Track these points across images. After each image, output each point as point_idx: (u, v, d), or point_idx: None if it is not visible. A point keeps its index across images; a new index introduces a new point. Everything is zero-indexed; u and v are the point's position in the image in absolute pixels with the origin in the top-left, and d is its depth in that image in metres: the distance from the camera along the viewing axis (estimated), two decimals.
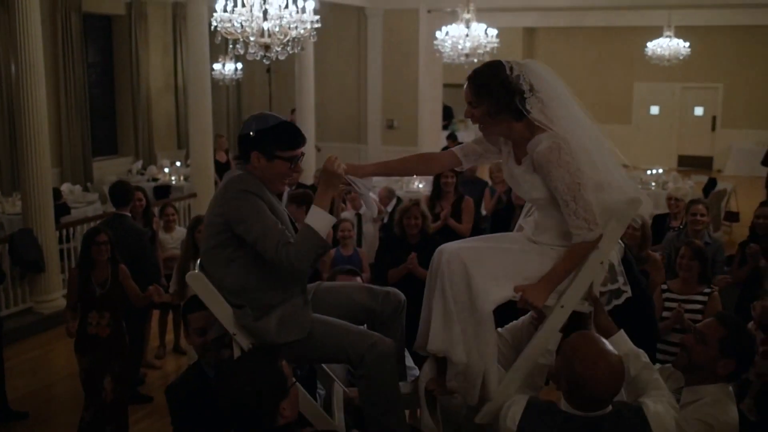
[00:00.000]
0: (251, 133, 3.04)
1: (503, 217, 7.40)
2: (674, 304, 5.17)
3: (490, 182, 9.13)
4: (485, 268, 2.85)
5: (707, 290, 5.21)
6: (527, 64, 2.92)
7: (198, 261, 3.28)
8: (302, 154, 3.14)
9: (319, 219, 2.97)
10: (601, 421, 2.55)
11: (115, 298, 5.69)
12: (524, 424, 2.62)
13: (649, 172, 13.65)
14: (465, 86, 2.90)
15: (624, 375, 2.61)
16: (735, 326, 3.08)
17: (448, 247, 2.99)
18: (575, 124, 2.90)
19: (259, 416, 2.66)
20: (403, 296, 3.37)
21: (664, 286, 5.35)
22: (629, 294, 3.07)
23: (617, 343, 2.84)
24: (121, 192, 7.22)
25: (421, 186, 11.93)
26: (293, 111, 14.41)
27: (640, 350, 2.97)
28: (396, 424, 3.11)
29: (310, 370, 3.50)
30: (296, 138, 3.08)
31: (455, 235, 6.97)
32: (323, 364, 3.50)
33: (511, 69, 2.85)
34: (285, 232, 2.96)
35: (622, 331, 2.96)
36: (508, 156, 3.03)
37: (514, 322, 3.27)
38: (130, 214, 7.12)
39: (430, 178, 12.01)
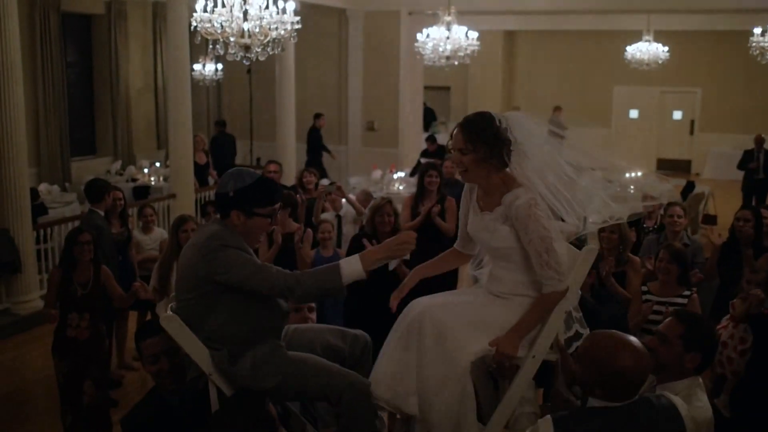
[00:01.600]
0: (230, 193, 3.09)
1: None
2: (656, 307, 5.19)
3: None
4: (458, 324, 2.96)
5: (686, 292, 5.23)
6: (513, 117, 3.09)
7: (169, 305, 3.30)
8: (280, 207, 3.23)
9: (352, 270, 3.03)
10: (636, 407, 2.63)
11: (96, 299, 5.62)
12: None
13: (627, 175, 13.71)
14: (455, 132, 3.05)
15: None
16: (693, 321, 3.25)
17: (419, 304, 3.08)
18: (540, 179, 3.05)
19: None
20: (369, 338, 3.47)
21: (644, 288, 5.38)
22: (587, 332, 3.17)
23: None
24: (95, 188, 7.22)
25: (401, 188, 11.94)
26: (319, 116, 14.44)
27: None
28: None
29: (283, 412, 3.47)
30: (274, 194, 3.16)
31: (435, 234, 6.98)
32: (292, 405, 3.50)
33: (500, 121, 3.02)
34: (280, 270, 3.04)
35: None
36: (474, 204, 3.18)
37: None
38: (103, 213, 7.08)
39: (411, 180, 12.06)
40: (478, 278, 3.28)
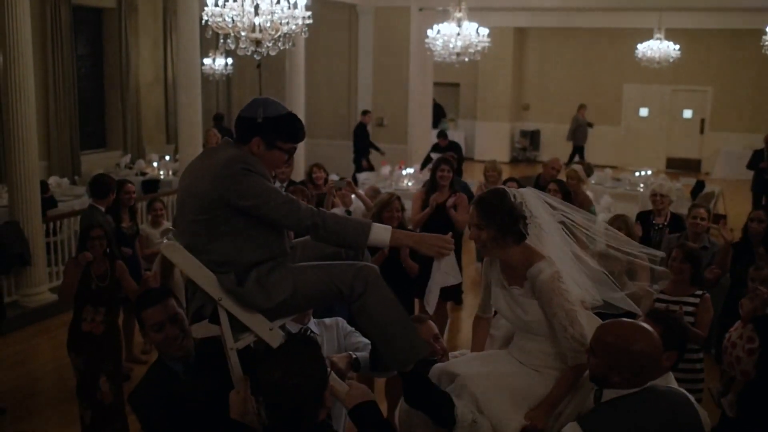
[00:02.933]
0: (258, 119, 3.00)
1: None
2: (664, 305, 5.17)
3: (482, 180, 9.11)
4: (500, 395, 3.01)
5: (698, 292, 5.22)
6: (526, 193, 3.17)
7: (166, 230, 3.21)
8: (295, 148, 3.12)
9: (380, 235, 3.01)
10: (652, 393, 2.71)
11: (111, 293, 5.63)
12: None
13: (637, 173, 13.70)
14: (471, 210, 3.14)
15: None
16: (668, 320, 3.52)
17: (458, 371, 3.10)
18: (559, 251, 3.15)
19: (304, 411, 2.55)
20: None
21: (656, 287, 5.35)
22: None
23: None
24: (100, 185, 7.20)
25: (410, 184, 11.93)
26: (366, 112, 14.49)
27: None
28: (411, 339, 3.06)
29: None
30: (300, 132, 3.08)
31: (444, 227, 6.96)
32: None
33: (514, 196, 3.11)
34: (300, 203, 2.97)
35: None
36: (498, 279, 3.22)
37: None
38: (104, 209, 7.09)
39: (420, 176, 12.06)
40: (511, 350, 3.29)
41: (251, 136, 3.02)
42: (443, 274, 3.20)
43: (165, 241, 3.21)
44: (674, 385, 3.04)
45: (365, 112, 14.56)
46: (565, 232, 3.22)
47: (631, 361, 2.66)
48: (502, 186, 3.24)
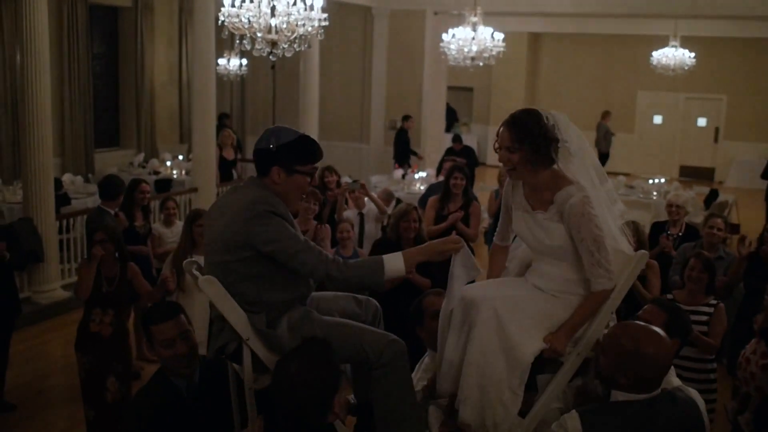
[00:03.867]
0: (272, 147, 3.02)
1: None
2: None
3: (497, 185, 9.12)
4: (516, 318, 2.96)
5: (713, 302, 5.20)
6: (558, 116, 3.06)
7: (191, 262, 3.26)
8: (316, 168, 3.15)
9: (394, 266, 3.01)
10: (658, 402, 2.69)
11: (121, 296, 5.58)
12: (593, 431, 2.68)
13: (650, 181, 13.65)
14: (501, 131, 3.03)
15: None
16: (673, 309, 3.59)
17: (475, 294, 3.05)
18: (587, 178, 3.07)
19: (313, 410, 2.58)
20: (377, 304, 3.48)
21: (669, 296, 5.33)
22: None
23: None
24: (109, 187, 7.19)
25: (422, 188, 11.91)
26: (407, 117, 14.56)
27: None
28: (416, 419, 3.08)
29: None
30: (315, 151, 3.09)
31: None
32: None
33: (547, 118, 3.00)
34: (322, 251, 3.00)
35: None
36: (522, 203, 3.15)
37: None
38: (113, 211, 7.09)
39: (432, 180, 12.04)
40: (528, 277, 3.23)
41: (270, 166, 3.04)
42: (463, 268, 3.15)
43: (195, 272, 3.24)
44: (676, 382, 3.00)
45: (407, 118, 14.64)
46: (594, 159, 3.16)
47: (638, 365, 2.65)
48: (535, 108, 3.10)
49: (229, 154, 12.55)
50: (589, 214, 2.92)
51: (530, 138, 2.97)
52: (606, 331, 3.01)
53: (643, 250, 3.15)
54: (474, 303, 3.01)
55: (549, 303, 3.04)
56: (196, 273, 3.21)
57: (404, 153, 14.52)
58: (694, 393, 2.84)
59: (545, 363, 3.08)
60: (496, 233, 3.44)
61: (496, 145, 3.10)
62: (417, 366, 3.62)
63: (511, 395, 2.95)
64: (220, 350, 3.13)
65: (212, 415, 3.20)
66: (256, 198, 2.98)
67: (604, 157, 18.82)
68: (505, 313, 2.96)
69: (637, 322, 2.83)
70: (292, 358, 2.66)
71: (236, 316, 2.99)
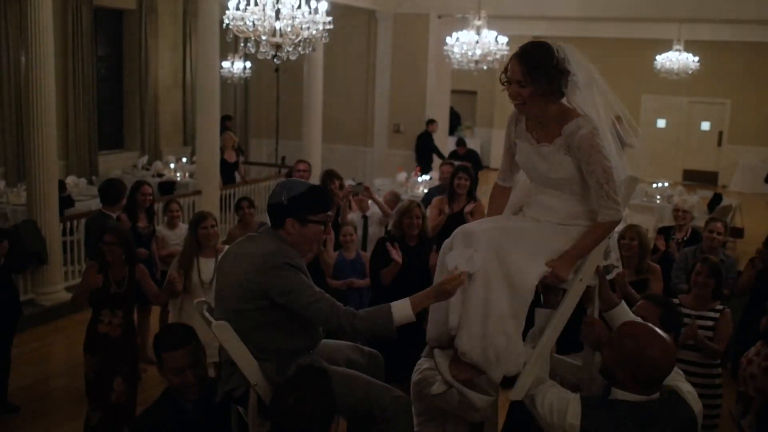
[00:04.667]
0: (284, 201, 3.12)
1: None
2: (687, 320, 5.13)
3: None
4: (517, 247, 2.94)
5: (719, 307, 5.17)
6: (567, 48, 3.02)
7: (201, 302, 3.36)
8: (331, 216, 3.26)
9: (403, 314, 3.03)
10: (657, 404, 2.72)
11: (129, 297, 5.59)
12: (587, 422, 2.73)
13: (654, 185, 13.63)
14: (511, 65, 2.97)
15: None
16: (667, 303, 3.69)
17: (474, 227, 3.06)
18: (593, 110, 3.06)
19: None
20: (381, 357, 3.56)
21: (676, 301, 5.30)
22: (620, 269, 3.30)
23: (622, 314, 3.11)
24: (110, 191, 7.17)
25: (425, 191, 11.90)
26: (432, 122, 14.66)
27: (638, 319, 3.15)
28: None
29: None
30: (327, 201, 3.21)
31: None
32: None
33: (558, 50, 2.96)
34: (335, 302, 3.06)
35: (623, 302, 3.18)
36: (525, 136, 3.11)
37: None
38: (114, 215, 7.09)
39: (436, 182, 12.03)
40: (525, 211, 3.22)
41: (284, 218, 3.14)
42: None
43: (206, 314, 3.31)
44: (682, 383, 2.99)
45: (432, 122, 14.75)
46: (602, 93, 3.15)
47: (638, 364, 2.68)
48: (545, 40, 3.06)
49: (231, 157, 12.56)
50: (599, 145, 2.92)
51: (542, 70, 2.92)
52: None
53: (631, 174, 3.18)
54: (473, 234, 3.01)
55: (548, 231, 3.05)
56: (208, 316, 3.28)
57: (428, 157, 14.62)
58: (690, 397, 2.87)
59: (543, 296, 3.12)
60: (499, 172, 3.40)
61: (504, 78, 3.05)
62: (417, 365, 3.62)
63: (514, 323, 2.95)
64: (227, 394, 3.21)
65: (221, 428, 3.23)
66: (273, 250, 3.08)
67: None
68: (505, 242, 2.95)
69: (645, 323, 2.87)
70: (289, 389, 2.67)
71: (246, 363, 3.06)
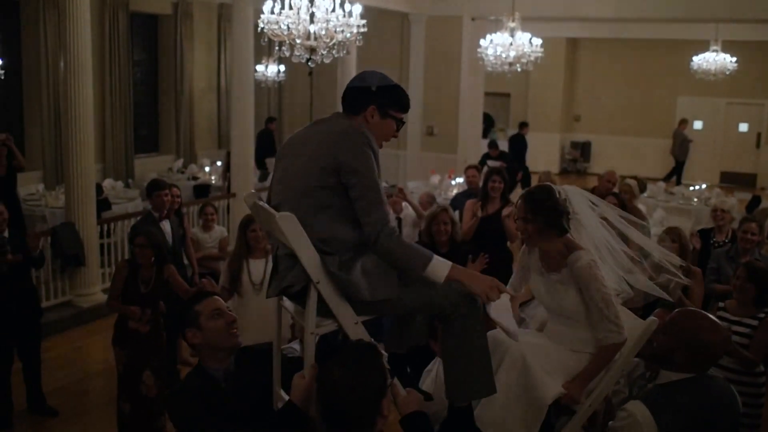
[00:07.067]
0: (373, 87, 3.04)
1: None
2: (725, 324, 5.03)
3: None
4: (539, 363, 3.22)
5: (761, 315, 4.95)
6: (570, 191, 3.41)
7: (251, 194, 3.23)
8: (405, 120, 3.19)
9: (438, 270, 2.92)
10: (707, 381, 3.08)
11: (158, 296, 5.81)
12: (659, 415, 2.94)
13: (691, 188, 13.47)
14: (519, 203, 3.40)
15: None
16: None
17: (504, 336, 3.27)
18: (598, 243, 3.43)
19: (359, 415, 2.51)
20: None
21: (721, 304, 5.18)
22: (626, 395, 3.63)
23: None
24: (150, 186, 7.28)
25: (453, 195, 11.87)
26: (525, 124, 15.56)
27: None
28: (485, 377, 3.05)
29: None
30: (408, 102, 3.16)
31: (492, 239, 6.92)
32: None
33: (559, 193, 3.35)
34: (388, 213, 2.93)
35: None
36: (537, 266, 3.46)
37: None
38: (157, 215, 7.15)
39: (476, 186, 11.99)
40: (527, 320, 3.59)
41: (366, 104, 3.05)
42: (498, 315, 3.17)
43: (263, 204, 3.14)
44: None
45: (525, 124, 15.56)
46: (605, 228, 3.48)
47: (695, 348, 2.99)
48: (549, 183, 3.46)
49: None
50: (596, 275, 3.22)
51: (543, 211, 3.30)
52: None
53: (653, 318, 3.32)
54: (503, 344, 3.27)
55: (567, 356, 3.32)
56: (266, 206, 3.10)
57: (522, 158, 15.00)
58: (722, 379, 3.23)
59: (556, 413, 3.31)
60: (509, 283, 3.70)
61: (515, 216, 3.48)
62: (424, 374, 3.66)
63: (527, 430, 3.16)
64: (283, 291, 3.06)
65: (250, 399, 3.20)
66: (352, 125, 2.98)
67: (680, 166, 18.77)
68: (530, 357, 3.21)
69: (700, 311, 3.20)
70: (336, 365, 2.58)
71: (309, 256, 2.88)
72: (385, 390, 2.58)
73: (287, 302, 3.25)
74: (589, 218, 3.43)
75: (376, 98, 3.04)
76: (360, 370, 2.55)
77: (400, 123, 3.15)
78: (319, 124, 3.11)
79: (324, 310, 2.96)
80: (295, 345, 3.89)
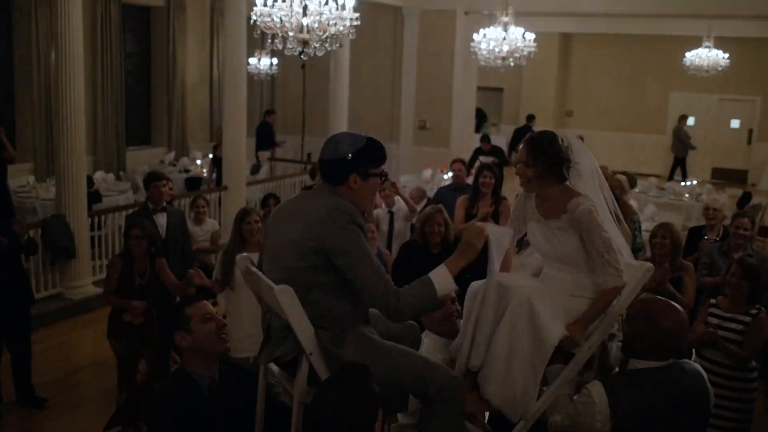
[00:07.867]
0: (348, 157, 3.02)
1: None
2: (716, 321, 5.04)
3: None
4: (545, 306, 3.23)
5: (753, 311, 4.99)
6: (573, 139, 3.42)
7: (245, 257, 3.29)
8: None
9: (444, 282, 2.99)
10: (673, 370, 3.05)
11: (152, 288, 5.90)
12: (612, 395, 2.97)
13: (682, 183, 13.50)
14: (521, 148, 3.39)
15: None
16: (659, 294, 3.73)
17: (510, 281, 3.29)
18: (595, 193, 3.43)
19: None
20: (417, 327, 3.59)
21: (713, 301, 5.20)
22: (620, 338, 3.55)
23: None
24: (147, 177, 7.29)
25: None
26: (532, 117, 15.53)
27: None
28: None
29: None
30: (383, 151, 3.14)
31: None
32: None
33: (562, 140, 3.35)
34: (390, 279, 2.97)
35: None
36: (534, 214, 3.45)
37: None
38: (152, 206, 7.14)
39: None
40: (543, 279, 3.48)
41: (347, 174, 3.04)
42: (497, 244, 3.22)
43: (256, 270, 3.23)
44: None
45: (532, 117, 15.68)
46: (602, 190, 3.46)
47: (656, 335, 3.00)
48: (552, 130, 3.46)
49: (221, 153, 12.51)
50: (596, 219, 3.24)
51: (544, 155, 3.30)
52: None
53: (649, 263, 3.39)
54: (509, 289, 3.25)
55: (567, 300, 3.32)
56: (262, 276, 3.15)
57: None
58: (697, 366, 3.18)
59: (554, 356, 3.31)
60: None
61: (515, 159, 3.47)
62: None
63: (533, 370, 3.19)
64: (275, 360, 3.13)
65: (234, 412, 3.19)
66: (336, 205, 2.98)
67: (681, 162, 18.77)
68: (536, 300, 3.21)
69: (659, 298, 3.20)
70: (330, 388, 2.59)
71: (304, 330, 2.95)
72: (377, 414, 2.56)
73: (274, 366, 3.31)
74: (588, 170, 3.42)
75: (354, 166, 3.03)
76: (350, 395, 2.53)
77: (383, 176, 3.15)
78: (306, 199, 3.15)
79: (311, 379, 3.02)
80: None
